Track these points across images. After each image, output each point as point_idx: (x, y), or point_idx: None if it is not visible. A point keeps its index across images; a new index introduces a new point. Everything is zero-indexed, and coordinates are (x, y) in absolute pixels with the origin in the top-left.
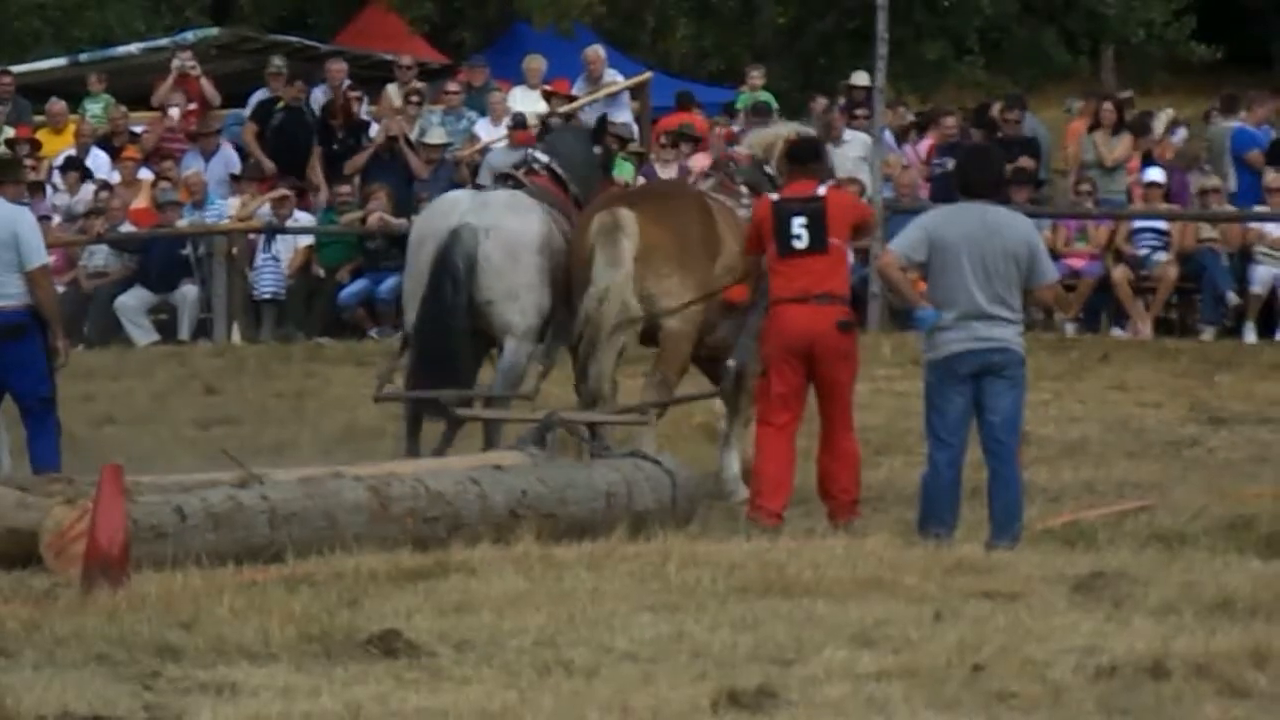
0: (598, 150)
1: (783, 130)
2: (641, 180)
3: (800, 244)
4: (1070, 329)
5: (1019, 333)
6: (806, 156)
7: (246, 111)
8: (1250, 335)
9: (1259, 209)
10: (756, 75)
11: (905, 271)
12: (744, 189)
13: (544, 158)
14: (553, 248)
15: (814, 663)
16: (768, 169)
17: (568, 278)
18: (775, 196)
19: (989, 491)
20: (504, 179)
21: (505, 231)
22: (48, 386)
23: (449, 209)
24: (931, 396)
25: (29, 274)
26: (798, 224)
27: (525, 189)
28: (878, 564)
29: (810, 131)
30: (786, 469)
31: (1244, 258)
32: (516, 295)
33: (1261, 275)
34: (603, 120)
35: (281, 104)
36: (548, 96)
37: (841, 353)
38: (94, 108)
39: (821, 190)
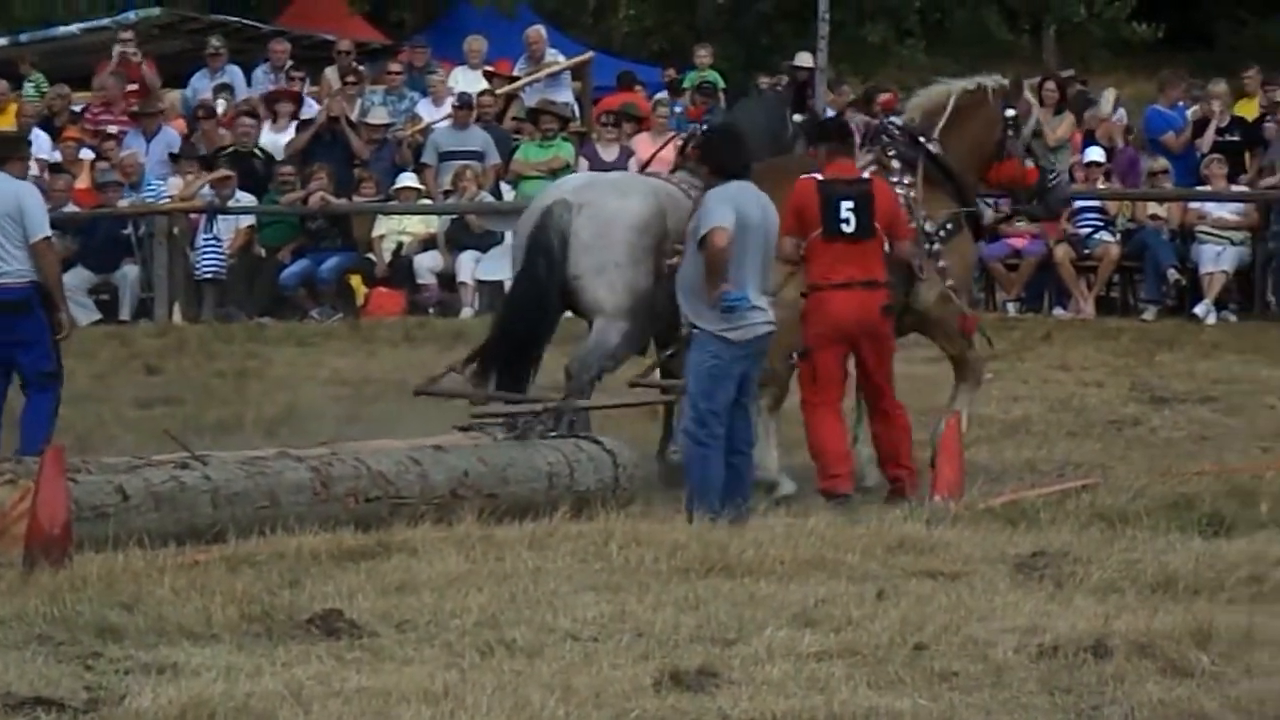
0: (797, 118)
1: (955, 86)
2: (584, 161)
3: (848, 228)
4: (1012, 308)
5: None
6: (839, 134)
7: (189, 91)
8: (1211, 316)
9: (1201, 189)
10: (704, 54)
11: None
12: (896, 164)
13: None
14: (661, 229)
15: (756, 642)
16: (923, 139)
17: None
18: (819, 177)
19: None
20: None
21: (599, 208)
22: (50, 362)
23: (554, 188)
24: (716, 374)
25: (33, 246)
26: (845, 207)
27: (685, 167)
28: (820, 543)
29: (999, 81)
30: (843, 440)
31: (1185, 237)
32: (604, 271)
33: (1209, 254)
34: (803, 87)
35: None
36: (489, 77)
37: (885, 335)
38: (27, 88)
39: (865, 174)
